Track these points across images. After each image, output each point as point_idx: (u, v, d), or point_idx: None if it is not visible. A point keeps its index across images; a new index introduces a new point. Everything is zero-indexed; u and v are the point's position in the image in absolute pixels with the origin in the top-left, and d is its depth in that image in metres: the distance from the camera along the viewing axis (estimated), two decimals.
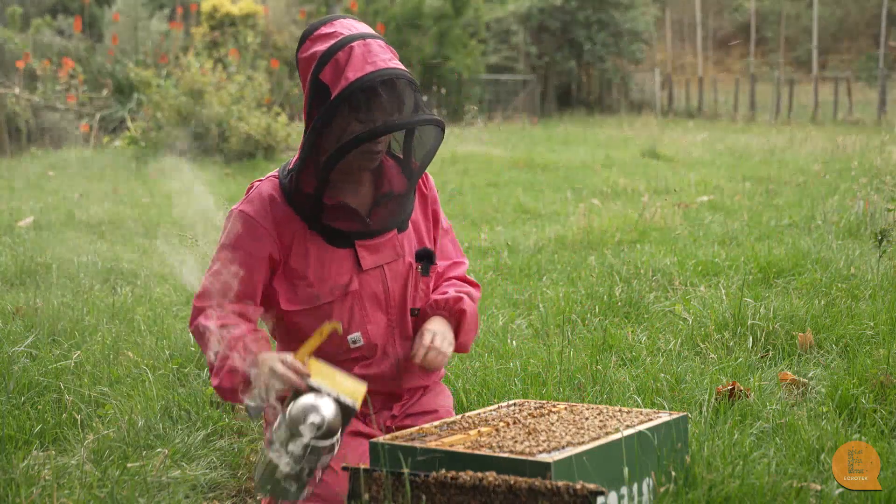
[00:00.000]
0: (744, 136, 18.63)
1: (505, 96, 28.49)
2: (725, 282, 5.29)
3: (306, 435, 2.39)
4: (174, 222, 8.36)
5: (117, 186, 11.11)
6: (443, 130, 2.80)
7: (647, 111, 27.70)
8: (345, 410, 2.47)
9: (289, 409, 2.43)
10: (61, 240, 7.41)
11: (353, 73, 2.62)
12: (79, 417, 3.51)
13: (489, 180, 11.82)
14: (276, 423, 2.46)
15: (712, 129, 21.05)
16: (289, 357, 2.55)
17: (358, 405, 2.49)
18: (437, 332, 2.84)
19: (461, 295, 2.92)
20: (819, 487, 2.64)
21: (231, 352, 2.61)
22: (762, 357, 4.09)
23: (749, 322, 4.31)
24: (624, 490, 2.44)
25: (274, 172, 2.87)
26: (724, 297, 4.79)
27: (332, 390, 2.47)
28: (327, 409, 2.42)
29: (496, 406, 2.92)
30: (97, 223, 8.35)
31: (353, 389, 2.51)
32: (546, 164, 13.47)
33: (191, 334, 2.80)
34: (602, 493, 2.22)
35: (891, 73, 27.34)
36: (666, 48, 37.37)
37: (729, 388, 3.51)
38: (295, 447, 2.39)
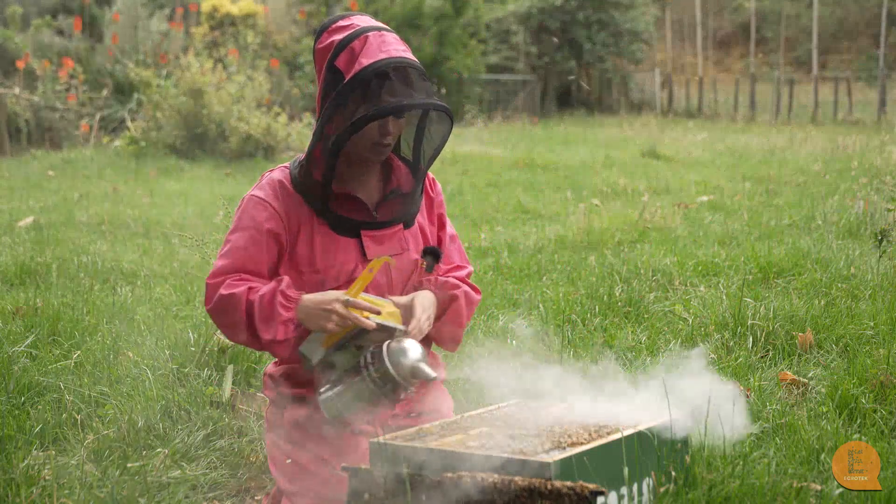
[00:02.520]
0: (744, 136, 18.63)
1: (505, 96, 28.48)
2: (725, 282, 5.29)
3: (409, 362, 2.63)
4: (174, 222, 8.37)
5: (117, 186, 11.11)
6: (451, 119, 2.85)
7: (647, 111, 27.69)
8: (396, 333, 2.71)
9: (384, 349, 2.65)
10: (61, 240, 7.41)
11: (366, 59, 2.70)
12: (79, 417, 3.51)
13: (489, 180, 11.82)
14: (367, 361, 2.64)
15: (712, 129, 21.05)
16: (343, 296, 2.66)
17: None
18: (426, 308, 2.84)
19: (459, 285, 2.94)
20: (819, 487, 2.64)
21: (275, 305, 2.69)
22: (762, 357, 4.09)
23: (749, 322, 4.31)
24: (624, 490, 2.44)
25: (285, 164, 2.93)
26: (724, 297, 4.79)
27: (398, 325, 2.70)
28: (415, 347, 2.68)
29: (496, 406, 2.92)
30: (97, 223, 8.35)
31: (397, 314, 2.76)
32: (546, 164, 13.47)
33: (209, 312, 2.78)
34: (602, 493, 2.21)
35: (891, 73, 27.35)
36: (666, 48, 37.37)
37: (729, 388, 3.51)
38: (401, 371, 2.63)
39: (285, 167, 2.90)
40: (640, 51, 31.68)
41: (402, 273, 2.91)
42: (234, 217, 2.88)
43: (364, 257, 2.85)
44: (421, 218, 2.99)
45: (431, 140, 2.90)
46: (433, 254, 2.93)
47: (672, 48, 38.02)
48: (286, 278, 2.75)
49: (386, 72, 2.68)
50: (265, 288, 2.72)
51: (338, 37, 2.77)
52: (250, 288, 2.73)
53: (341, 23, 2.82)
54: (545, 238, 7.19)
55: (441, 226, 3.06)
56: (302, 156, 2.88)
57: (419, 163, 2.92)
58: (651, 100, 30.84)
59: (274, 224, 2.81)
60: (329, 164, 2.75)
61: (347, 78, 2.70)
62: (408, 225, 2.93)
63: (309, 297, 2.70)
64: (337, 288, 2.82)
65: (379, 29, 2.78)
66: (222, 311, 2.75)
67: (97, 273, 6.09)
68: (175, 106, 14.15)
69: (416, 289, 2.92)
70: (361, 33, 2.75)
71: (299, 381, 2.89)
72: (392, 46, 2.74)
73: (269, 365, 3.02)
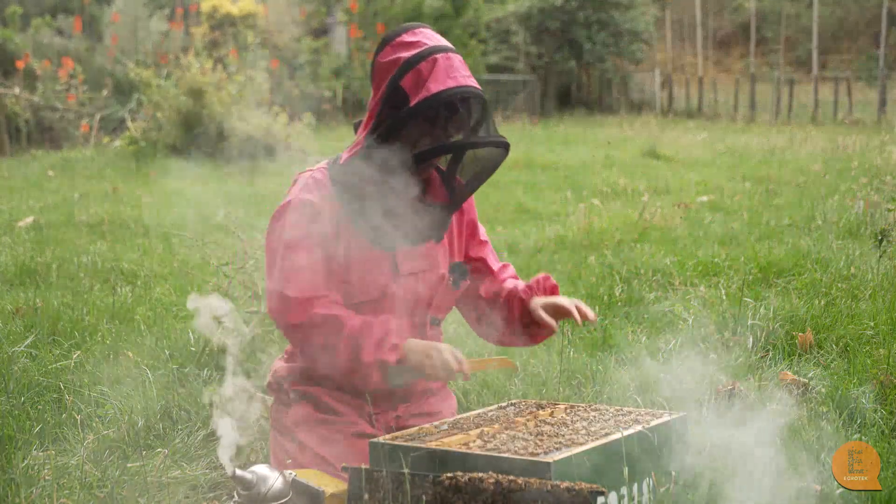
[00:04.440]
0: (744, 136, 18.62)
1: (505, 96, 28.45)
2: (725, 282, 5.29)
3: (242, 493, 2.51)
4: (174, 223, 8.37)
5: (117, 186, 11.11)
6: (507, 151, 2.86)
7: (647, 111, 27.69)
8: (313, 495, 2.54)
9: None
10: (61, 240, 7.41)
11: (434, 86, 2.67)
12: (79, 417, 3.51)
13: (489, 180, 11.76)
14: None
15: (712, 129, 21.04)
16: (459, 354, 2.68)
17: (326, 491, 2.53)
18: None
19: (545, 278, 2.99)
20: (819, 487, 2.64)
21: (390, 332, 2.68)
22: (762, 357, 4.08)
23: (749, 322, 4.30)
24: (624, 490, 2.44)
25: (323, 164, 2.87)
26: (724, 297, 4.79)
27: (314, 485, 2.53)
28: (276, 483, 2.52)
29: (496, 406, 2.92)
30: (97, 223, 8.35)
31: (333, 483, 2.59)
32: (546, 164, 13.47)
33: (294, 327, 2.71)
34: (602, 493, 2.21)
35: (891, 73, 27.34)
36: (666, 48, 37.36)
37: (729, 388, 3.51)
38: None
39: (324, 168, 2.84)
40: (640, 51, 31.66)
41: (429, 286, 2.88)
42: (276, 222, 2.80)
43: (396, 272, 2.81)
44: (450, 229, 2.96)
45: (484, 169, 2.89)
46: (460, 270, 2.92)
47: (672, 48, 38.02)
48: (392, 321, 2.73)
49: (454, 103, 2.68)
50: (382, 316, 2.73)
51: (404, 54, 2.71)
52: (350, 315, 2.71)
53: (406, 38, 2.75)
54: (545, 238, 7.18)
55: (472, 233, 3.03)
56: (342, 158, 2.81)
57: (465, 187, 2.89)
58: (651, 100, 30.83)
59: (330, 226, 2.76)
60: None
61: (414, 102, 2.67)
62: (438, 239, 2.90)
63: (418, 342, 2.72)
64: (365, 301, 2.78)
65: (446, 50, 2.73)
66: (316, 327, 2.69)
67: (97, 273, 6.09)
68: (175, 106, 14.13)
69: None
70: (429, 54, 2.70)
71: (307, 380, 2.88)
72: (459, 73, 2.71)
73: (277, 361, 3.00)
